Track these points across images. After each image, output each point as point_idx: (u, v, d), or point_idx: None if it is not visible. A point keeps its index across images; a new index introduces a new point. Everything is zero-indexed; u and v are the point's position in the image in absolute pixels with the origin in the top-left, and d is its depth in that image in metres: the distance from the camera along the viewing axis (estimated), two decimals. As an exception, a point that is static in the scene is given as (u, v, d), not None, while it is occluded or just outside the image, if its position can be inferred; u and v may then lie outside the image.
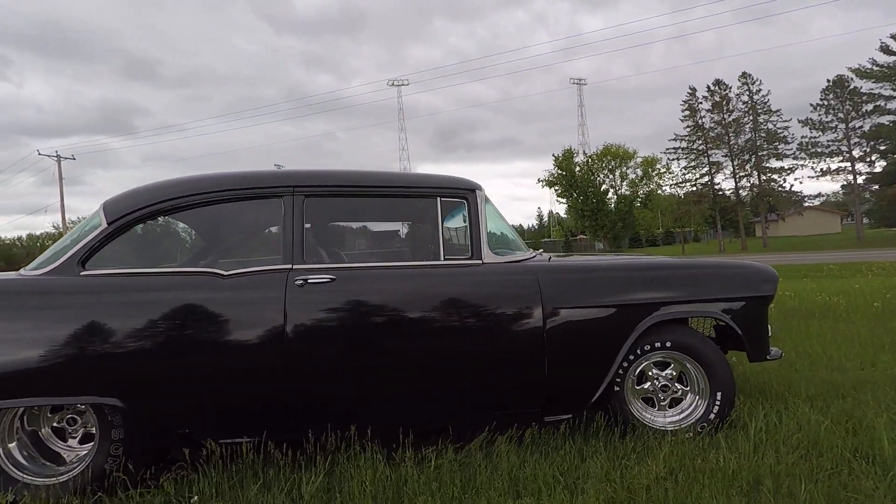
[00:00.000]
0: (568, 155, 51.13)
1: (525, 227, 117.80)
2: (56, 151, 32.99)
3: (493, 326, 2.47)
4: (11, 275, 2.42)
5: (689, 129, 40.13)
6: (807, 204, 40.67)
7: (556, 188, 52.25)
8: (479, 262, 2.57)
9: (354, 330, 2.37)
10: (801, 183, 64.71)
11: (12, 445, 2.29)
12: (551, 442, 2.46)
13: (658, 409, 2.73)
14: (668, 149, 41.04)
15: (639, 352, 2.66)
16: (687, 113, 40.14)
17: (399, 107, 65.74)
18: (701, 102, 39.67)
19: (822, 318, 5.52)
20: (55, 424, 2.43)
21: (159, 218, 2.49)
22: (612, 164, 50.60)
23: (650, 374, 2.73)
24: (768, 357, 2.81)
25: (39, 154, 33.23)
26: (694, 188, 40.17)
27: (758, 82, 38.32)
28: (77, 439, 2.45)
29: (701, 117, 39.69)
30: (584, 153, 54.60)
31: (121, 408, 2.21)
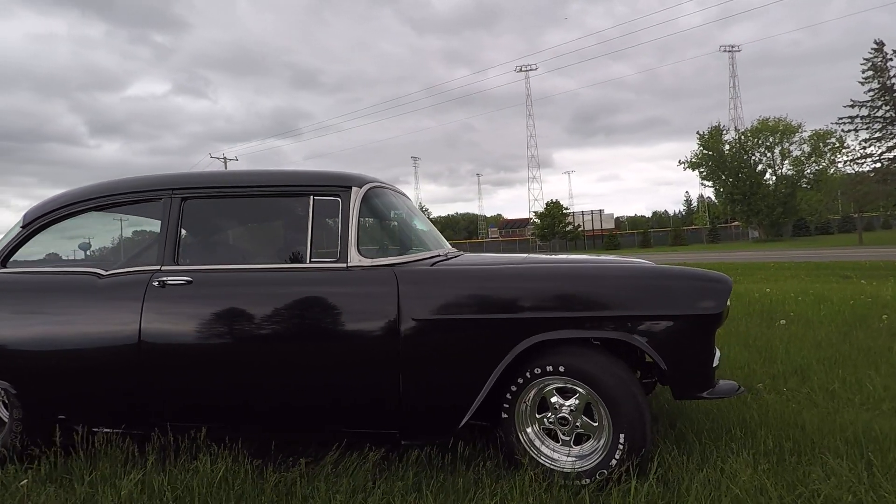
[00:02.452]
0: (715, 133, 45.59)
1: (670, 213, 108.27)
2: (223, 154, 38.50)
3: (345, 336, 2.25)
4: None
5: (872, 94, 33.08)
6: None
7: (701, 170, 47.01)
8: (344, 265, 2.35)
9: (204, 332, 2.33)
10: None
11: None
12: (400, 471, 2.18)
13: (562, 445, 2.27)
14: (841, 119, 34.27)
15: (528, 375, 2.23)
16: (870, 74, 33.10)
17: (527, 92, 64.44)
18: (890, 59, 32.40)
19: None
20: (3, 399, 2.81)
21: (65, 221, 2.70)
22: (771, 140, 43.97)
23: (552, 401, 2.28)
24: (706, 395, 2.17)
25: (211, 157, 39.11)
26: (878, 164, 33.12)
27: (977, 27, 30.12)
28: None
29: (890, 77, 32.45)
30: (736, 129, 48.24)
31: (13, 391, 2.46)
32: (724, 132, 45.91)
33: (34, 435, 2.48)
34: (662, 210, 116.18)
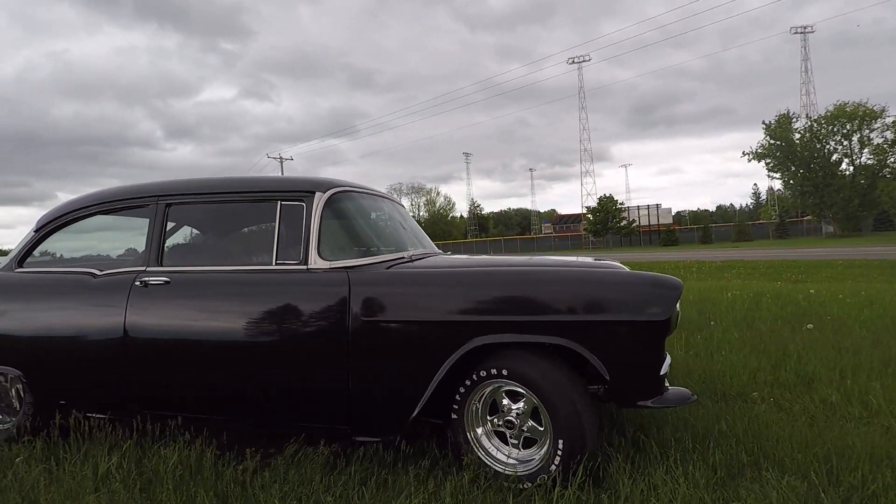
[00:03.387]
0: (783, 121, 42.71)
1: (737, 206, 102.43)
2: (279, 154, 40.15)
3: (301, 335, 2.37)
4: None
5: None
6: None
7: (768, 161, 44.20)
8: (305, 267, 2.47)
9: (177, 329, 2.52)
10: None
11: None
12: (347, 467, 2.27)
13: (511, 447, 2.29)
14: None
15: (475, 377, 2.26)
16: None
17: (580, 84, 62.80)
18: None
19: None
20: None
21: (71, 225, 2.98)
22: (848, 127, 40.66)
23: (502, 404, 2.30)
24: (651, 404, 2.11)
25: (268, 157, 40.87)
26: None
27: None
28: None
29: None
30: (808, 117, 44.95)
31: (24, 379, 2.76)
32: (795, 120, 42.94)
33: (41, 418, 2.77)
34: (728, 204, 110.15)
